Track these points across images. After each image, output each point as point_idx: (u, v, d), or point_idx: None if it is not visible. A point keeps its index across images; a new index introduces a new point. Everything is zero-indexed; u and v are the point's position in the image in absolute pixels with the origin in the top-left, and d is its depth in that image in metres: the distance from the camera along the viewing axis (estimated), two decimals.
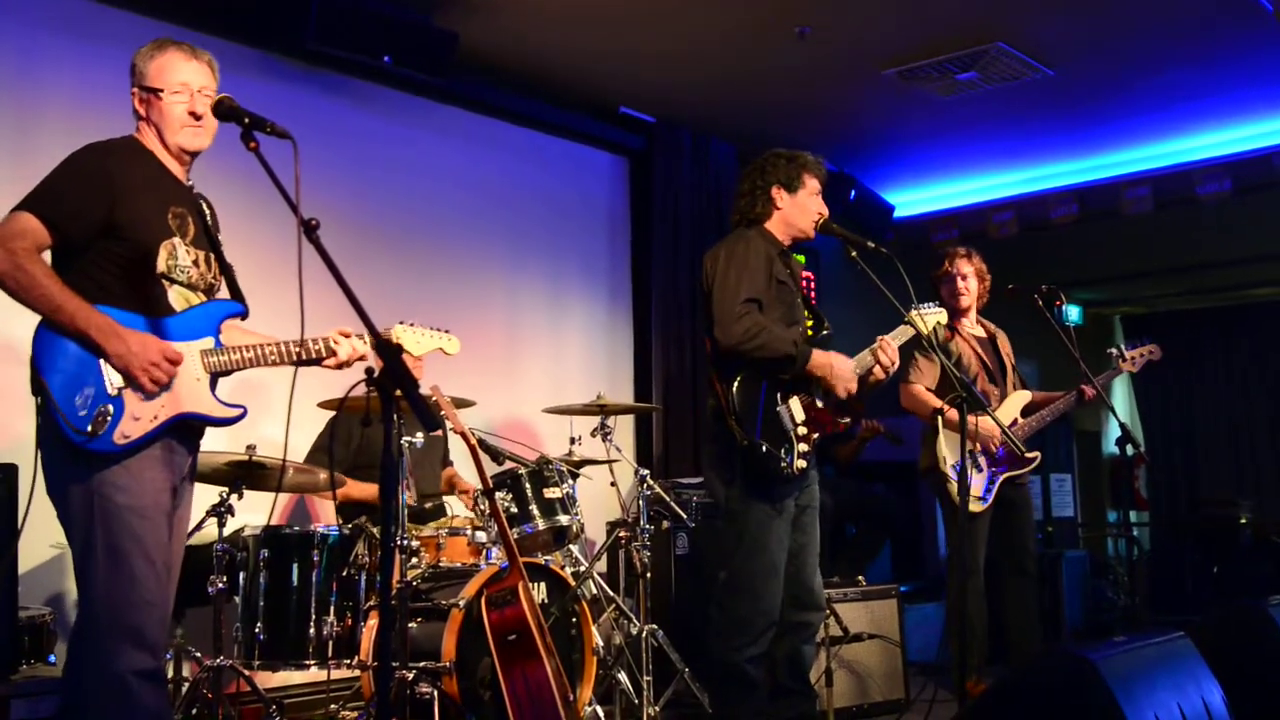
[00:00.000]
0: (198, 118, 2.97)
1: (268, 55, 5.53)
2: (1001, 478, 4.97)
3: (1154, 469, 10.02)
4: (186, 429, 2.93)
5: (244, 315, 3.07)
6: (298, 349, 3.01)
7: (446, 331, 3.68)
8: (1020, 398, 5.11)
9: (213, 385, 2.95)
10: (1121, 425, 4.94)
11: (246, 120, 2.72)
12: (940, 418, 4.94)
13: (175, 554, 3.01)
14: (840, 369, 3.82)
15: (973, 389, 3.96)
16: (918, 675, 5.49)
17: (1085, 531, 9.18)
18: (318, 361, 3.09)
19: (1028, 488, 5.19)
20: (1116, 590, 7.96)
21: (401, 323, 3.57)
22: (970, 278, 5.15)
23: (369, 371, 2.31)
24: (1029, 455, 4.99)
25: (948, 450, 4.87)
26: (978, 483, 4.93)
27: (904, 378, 5.03)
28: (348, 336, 3.10)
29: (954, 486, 4.86)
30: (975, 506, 4.91)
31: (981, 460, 4.95)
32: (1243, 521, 8.43)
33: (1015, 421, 5.04)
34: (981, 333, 5.25)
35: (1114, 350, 5.27)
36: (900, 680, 5.33)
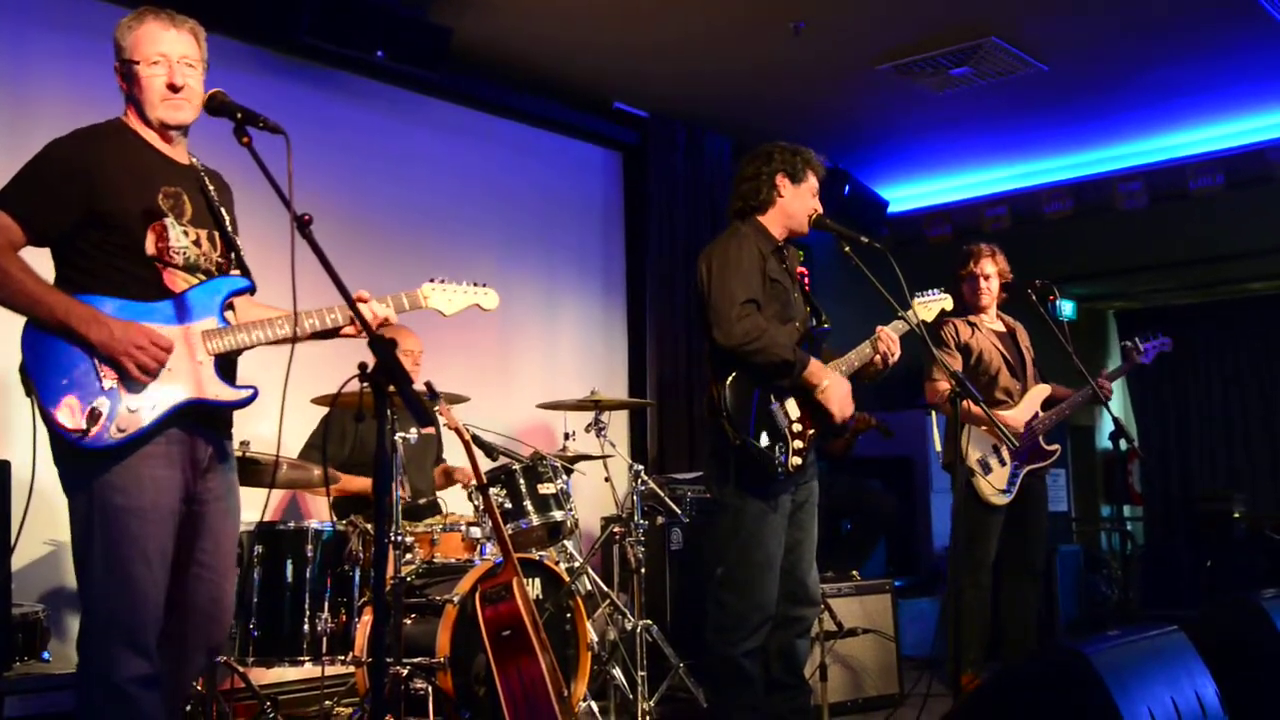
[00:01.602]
0: (176, 89, 2.81)
1: (260, 49, 5.52)
2: (1024, 471, 5.00)
3: (1148, 463, 10.02)
4: (199, 416, 2.81)
5: (251, 291, 2.95)
6: (314, 319, 2.88)
7: (484, 285, 3.35)
8: (1040, 391, 5.14)
9: (221, 367, 2.83)
10: (1115, 420, 4.95)
11: (239, 115, 2.69)
12: (940, 409, 4.99)
13: (226, 548, 2.93)
14: (833, 386, 3.79)
15: (965, 380, 3.96)
16: (912, 670, 5.50)
17: (1079, 526, 9.17)
18: (334, 333, 2.96)
19: (1046, 481, 5.23)
20: (1110, 585, 7.98)
21: (431, 280, 3.25)
22: (994, 278, 5.19)
23: (362, 367, 2.30)
24: (1049, 448, 5.04)
25: (971, 445, 4.92)
26: (1000, 477, 4.96)
27: (928, 375, 5.06)
28: (365, 301, 2.94)
29: (980, 482, 4.89)
30: (997, 500, 4.94)
31: (1005, 454, 4.97)
32: (1236, 516, 8.43)
33: (1036, 415, 5.08)
34: (1001, 327, 5.27)
35: (1128, 343, 5.32)
36: (894, 675, 5.34)
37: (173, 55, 2.83)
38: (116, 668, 2.65)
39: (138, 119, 2.89)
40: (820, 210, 4.01)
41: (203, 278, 2.86)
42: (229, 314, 2.87)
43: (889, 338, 3.97)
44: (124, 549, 2.67)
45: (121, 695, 2.65)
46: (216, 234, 2.92)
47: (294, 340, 2.88)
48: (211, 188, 2.96)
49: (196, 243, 2.86)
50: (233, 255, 2.95)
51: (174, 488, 2.77)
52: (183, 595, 2.83)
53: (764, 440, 3.70)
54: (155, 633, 2.72)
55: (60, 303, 2.64)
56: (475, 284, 3.34)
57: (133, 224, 2.76)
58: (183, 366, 2.75)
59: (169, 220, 2.81)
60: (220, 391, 2.81)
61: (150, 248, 2.77)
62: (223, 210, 2.96)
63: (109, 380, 2.67)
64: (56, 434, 2.65)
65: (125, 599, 2.67)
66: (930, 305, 4.33)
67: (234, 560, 2.98)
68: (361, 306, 2.89)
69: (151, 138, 2.89)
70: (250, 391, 2.86)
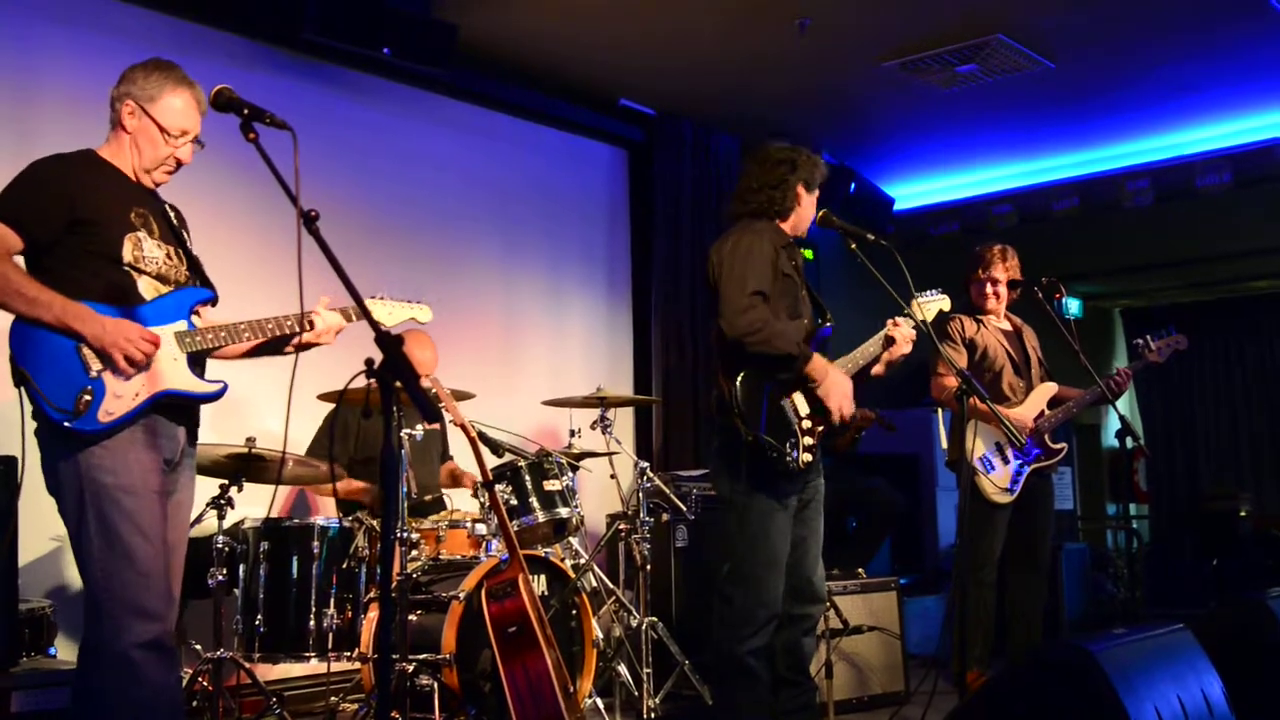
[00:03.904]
0: (179, 165, 3.11)
1: (265, 46, 5.52)
2: (1029, 469, 5.00)
3: (1153, 462, 10.01)
4: (172, 410, 3.02)
5: (214, 301, 3.16)
6: (273, 324, 3.11)
7: (419, 301, 3.61)
8: (1046, 390, 5.14)
9: (193, 365, 3.04)
10: (1121, 418, 4.94)
11: (245, 111, 2.74)
12: (946, 405, 4.99)
13: (179, 538, 3.07)
14: (835, 382, 3.80)
15: (971, 377, 3.95)
16: (918, 667, 5.49)
17: (1085, 524, 9.17)
18: (294, 336, 3.15)
19: (1052, 479, 5.22)
20: (1116, 583, 7.96)
21: (372, 297, 3.48)
22: (1003, 282, 5.17)
23: (369, 363, 2.30)
24: (1055, 447, 5.04)
25: (976, 442, 4.90)
26: (1003, 474, 4.95)
27: (934, 370, 5.06)
28: (325, 307, 3.18)
29: (983, 480, 4.89)
30: (1000, 498, 4.93)
31: (1008, 452, 4.97)
32: (1242, 514, 8.42)
33: (1042, 413, 5.07)
34: (1008, 326, 5.26)
35: (1140, 341, 5.29)
36: (900, 672, 5.34)
37: (193, 133, 3.10)
38: (122, 635, 2.79)
39: (114, 152, 3.09)
40: (813, 215, 4.06)
41: (173, 287, 3.08)
42: (195, 319, 3.09)
43: (904, 322, 3.95)
44: (121, 525, 2.83)
45: (127, 662, 2.78)
46: (180, 252, 3.15)
47: (260, 339, 3.12)
48: (173, 215, 3.19)
49: (169, 256, 3.09)
50: (193, 272, 3.17)
51: (156, 470, 2.95)
52: None
53: (774, 437, 3.70)
54: (165, 602, 2.87)
55: (55, 301, 2.83)
56: (412, 300, 3.60)
57: (111, 232, 2.96)
58: (160, 362, 2.96)
59: (142, 234, 3.02)
60: (195, 385, 3.04)
61: (127, 255, 2.97)
62: (184, 232, 3.20)
63: (94, 370, 2.85)
64: (47, 419, 2.82)
65: (130, 573, 2.81)
66: (928, 306, 4.31)
67: (184, 551, 3.12)
68: (323, 314, 3.18)
69: (124, 169, 3.09)
70: (220, 385, 3.08)
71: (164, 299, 3.02)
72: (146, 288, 3.00)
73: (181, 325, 3.03)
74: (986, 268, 5.16)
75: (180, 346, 3.01)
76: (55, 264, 2.92)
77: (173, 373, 2.98)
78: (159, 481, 2.94)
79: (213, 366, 3.19)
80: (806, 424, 3.78)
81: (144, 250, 3.01)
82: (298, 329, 3.14)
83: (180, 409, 3.06)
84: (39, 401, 2.80)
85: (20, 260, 2.93)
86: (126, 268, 2.97)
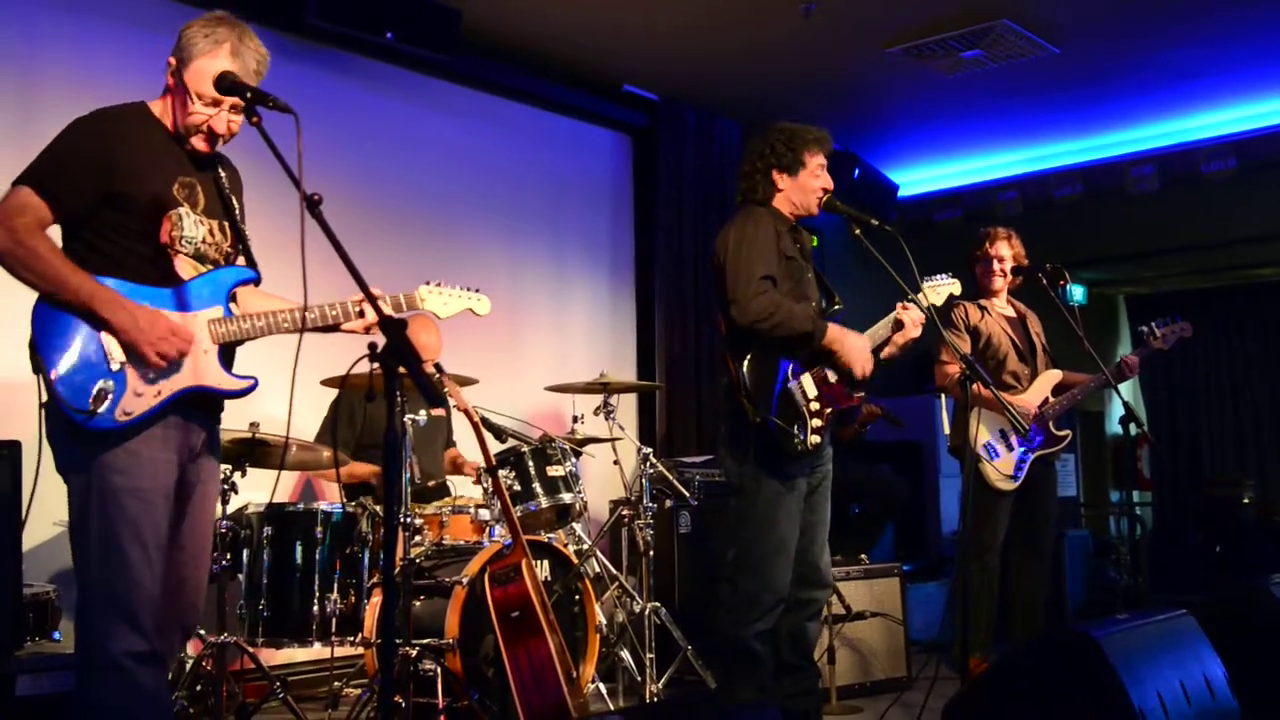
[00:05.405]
0: (216, 135, 2.86)
1: (268, 31, 5.46)
2: (1033, 456, 5.00)
3: (1157, 449, 10.00)
4: (197, 403, 2.84)
5: (256, 282, 2.96)
6: (315, 314, 2.89)
7: (476, 290, 3.38)
8: (1051, 377, 5.13)
9: (223, 355, 2.85)
10: (1125, 405, 4.93)
11: (249, 95, 2.70)
12: (949, 392, 4.99)
13: (202, 533, 2.95)
14: (853, 343, 3.79)
15: (975, 363, 3.94)
16: (920, 653, 5.51)
17: (1088, 511, 9.16)
18: (336, 327, 2.95)
19: (1055, 467, 5.21)
20: (1119, 569, 7.96)
21: (427, 283, 3.25)
22: (1007, 260, 5.16)
23: (372, 347, 2.29)
24: (1060, 434, 5.04)
25: (980, 429, 4.89)
26: (1008, 461, 4.95)
27: (937, 357, 5.05)
28: (380, 297, 2.90)
29: (987, 467, 4.89)
30: (1004, 485, 4.93)
31: (1012, 439, 4.97)
32: (1246, 501, 8.41)
33: (1047, 400, 5.07)
34: (1012, 313, 5.26)
35: (1145, 328, 5.28)
36: (902, 658, 5.35)
37: (227, 102, 2.82)
38: (113, 641, 2.67)
39: (164, 110, 2.88)
40: (830, 185, 3.97)
41: (210, 267, 2.88)
42: (232, 304, 2.90)
43: (911, 307, 3.93)
44: (120, 530, 2.69)
45: (118, 667, 2.67)
46: (227, 225, 2.95)
47: (301, 329, 2.89)
48: (224, 174, 2.97)
49: (211, 233, 2.89)
50: (240, 246, 2.96)
51: (170, 470, 2.79)
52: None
53: (783, 418, 3.69)
54: (152, 613, 2.73)
55: (85, 285, 2.65)
56: (469, 289, 3.37)
57: (148, 208, 2.77)
58: (189, 354, 2.77)
59: (183, 210, 2.83)
60: (223, 381, 2.84)
61: (163, 235, 2.78)
62: (234, 199, 2.98)
63: (116, 362, 2.68)
64: (60, 412, 2.65)
65: (121, 580, 2.68)
66: (938, 289, 4.30)
67: (209, 544, 3.02)
68: (366, 306, 2.89)
69: (173, 129, 2.88)
70: (251, 381, 2.87)
71: (200, 281, 2.81)
72: (184, 267, 2.81)
73: (217, 311, 2.82)
74: (992, 243, 5.16)
75: (212, 337, 2.80)
76: (89, 235, 2.74)
77: (201, 366, 2.79)
78: (171, 483, 2.79)
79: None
80: (814, 405, 3.78)
81: (183, 229, 2.79)
82: (342, 319, 2.92)
83: (204, 404, 2.87)
84: (55, 397, 2.64)
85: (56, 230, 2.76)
86: (162, 246, 2.77)
